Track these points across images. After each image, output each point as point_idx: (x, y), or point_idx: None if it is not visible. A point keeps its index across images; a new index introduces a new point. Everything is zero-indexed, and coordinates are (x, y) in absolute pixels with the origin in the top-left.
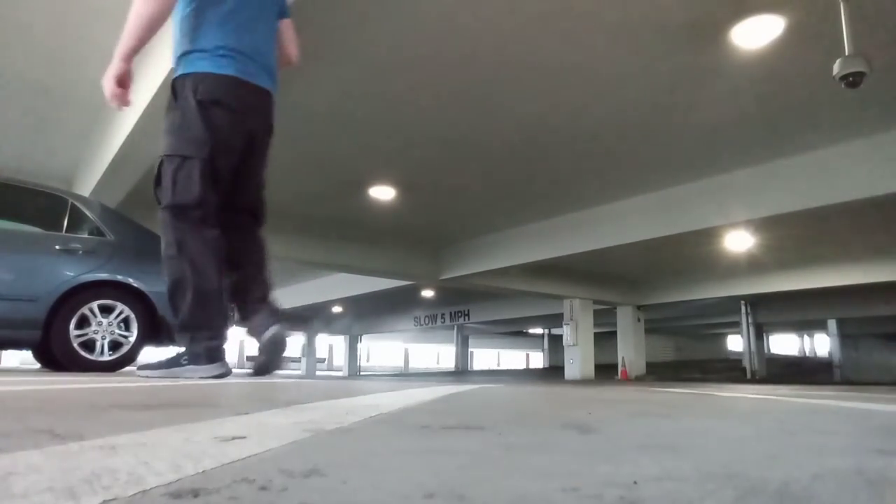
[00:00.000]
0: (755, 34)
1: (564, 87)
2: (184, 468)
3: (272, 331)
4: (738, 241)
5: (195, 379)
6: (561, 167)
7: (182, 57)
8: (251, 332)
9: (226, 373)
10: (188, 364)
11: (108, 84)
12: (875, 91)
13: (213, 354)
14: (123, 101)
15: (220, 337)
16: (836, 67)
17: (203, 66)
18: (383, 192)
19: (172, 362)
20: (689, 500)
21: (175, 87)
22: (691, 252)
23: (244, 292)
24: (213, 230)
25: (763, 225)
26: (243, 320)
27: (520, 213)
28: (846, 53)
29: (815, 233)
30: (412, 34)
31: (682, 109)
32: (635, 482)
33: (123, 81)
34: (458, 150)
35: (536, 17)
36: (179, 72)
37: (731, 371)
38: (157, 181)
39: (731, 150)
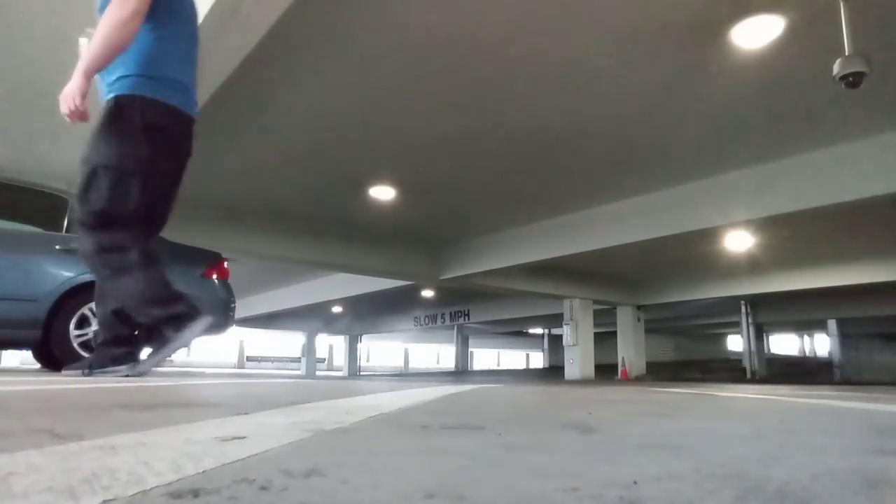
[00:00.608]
0: (755, 34)
1: (564, 88)
2: (184, 468)
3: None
4: (738, 241)
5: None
6: (561, 167)
7: (133, 77)
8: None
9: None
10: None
11: (73, 100)
12: (875, 91)
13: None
14: (84, 117)
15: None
16: (836, 67)
17: (153, 92)
18: (383, 192)
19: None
20: (689, 500)
21: (121, 103)
22: (691, 252)
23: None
24: (139, 246)
25: (763, 225)
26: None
27: (520, 213)
28: (846, 53)
29: (815, 233)
30: (413, 34)
31: (682, 109)
32: (635, 482)
33: (84, 98)
34: (458, 150)
35: (536, 17)
36: (130, 91)
37: (731, 371)
38: (87, 187)
39: (731, 150)
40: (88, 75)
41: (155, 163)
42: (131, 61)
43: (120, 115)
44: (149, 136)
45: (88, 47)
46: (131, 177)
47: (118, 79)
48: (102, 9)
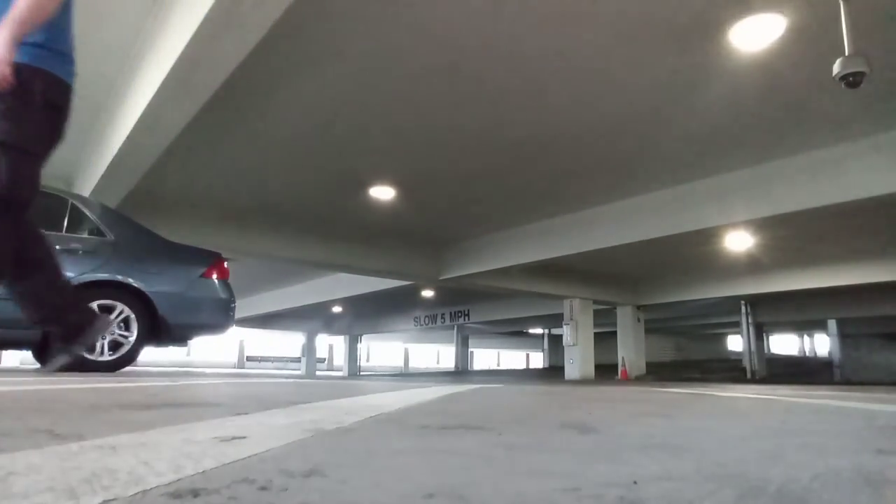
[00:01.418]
0: (755, 34)
1: (564, 88)
2: (184, 468)
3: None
4: (738, 241)
5: None
6: (561, 167)
7: (36, 48)
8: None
9: None
10: None
11: (3, 67)
12: (875, 91)
13: None
14: (5, 85)
15: None
16: (836, 67)
17: (54, 67)
18: (383, 192)
19: None
20: (689, 500)
21: (25, 75)
22: (691, 252)
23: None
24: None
25: (763, 225)
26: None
27: (520, 213)
28: (846, 53)
29: (815, 233)
30: (412, 34)
31: (682, 109)
32: (635, 482)
33: (11, 66)
34: (458, 149)
35: (536, 17)
36: (35, 63)
37: (731, 371)
38: None
39: (731, 150)
40: (17, 42)
41: (52, 144)
42: (42, 27)
43: (23, 87)
44: (48, 115)
45: (15, 11)
46: (34, 157)
47: (21, 45)
48: None
